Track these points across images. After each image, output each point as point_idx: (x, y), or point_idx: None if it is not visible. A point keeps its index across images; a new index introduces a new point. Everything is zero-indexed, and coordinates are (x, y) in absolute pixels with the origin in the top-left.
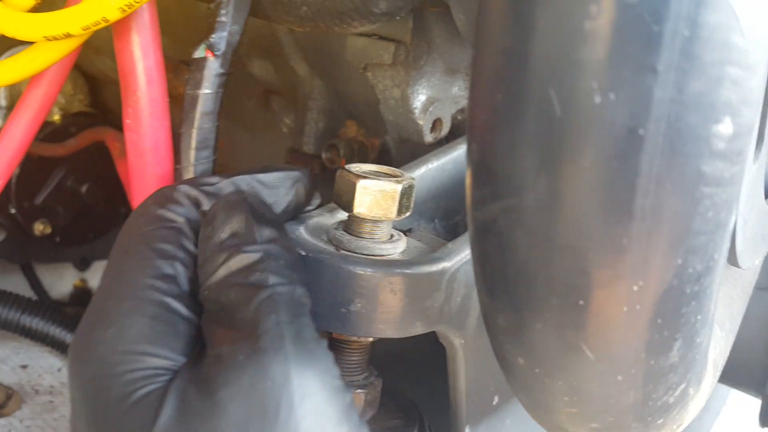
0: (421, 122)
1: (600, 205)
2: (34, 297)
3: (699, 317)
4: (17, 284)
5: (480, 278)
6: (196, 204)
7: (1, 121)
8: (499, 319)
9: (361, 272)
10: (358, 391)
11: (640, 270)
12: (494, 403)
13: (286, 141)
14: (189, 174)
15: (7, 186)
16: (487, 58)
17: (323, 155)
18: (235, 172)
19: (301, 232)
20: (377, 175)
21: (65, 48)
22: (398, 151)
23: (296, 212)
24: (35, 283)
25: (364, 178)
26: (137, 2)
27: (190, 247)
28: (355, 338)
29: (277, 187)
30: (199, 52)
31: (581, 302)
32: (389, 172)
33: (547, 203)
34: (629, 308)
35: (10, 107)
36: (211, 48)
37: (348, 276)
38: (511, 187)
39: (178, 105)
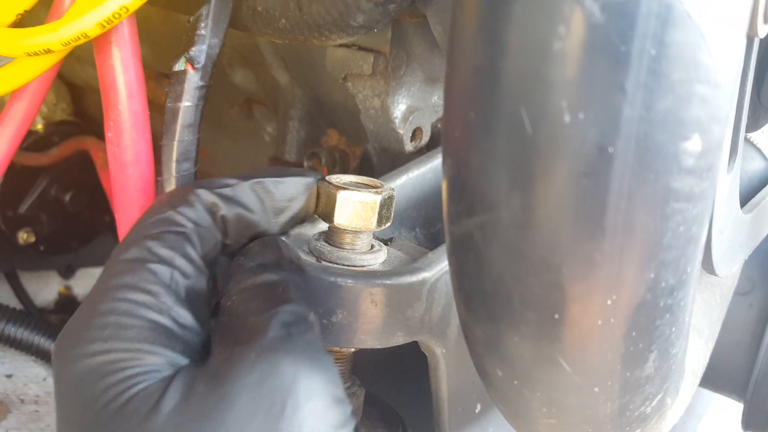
0: (401, 131)
1: (572, 222)
2: (19, 305)
3: (674, 329)
4: (1, 292)
5: (457, 291)
6: (212, 209)
7: None
8: (477, 331)
9: (342, 283)
10: None
11: (613, 284)
12: (477, 411)
13: (268, 149)
14: (171, 186)
15: None
16: (459, 76)
17: (305, 164)
18: (251, 172)
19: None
20: (357, 186)
21: (46, 63)
22: (379, 159)
23: (305, 218)
24: (20, 291)
25: (344, 189)
26: (116, 18)
27: (193, 255)
28: (336, 349)
29: (292, 192)
30: (179, 65)
31: (556, 316)
32: (369, 183)
33: (520, 219)
34: (604, 321)
35: None
36: (191, 61)
37: (329, 287)
38: (486, 203)
39: (160, 113)
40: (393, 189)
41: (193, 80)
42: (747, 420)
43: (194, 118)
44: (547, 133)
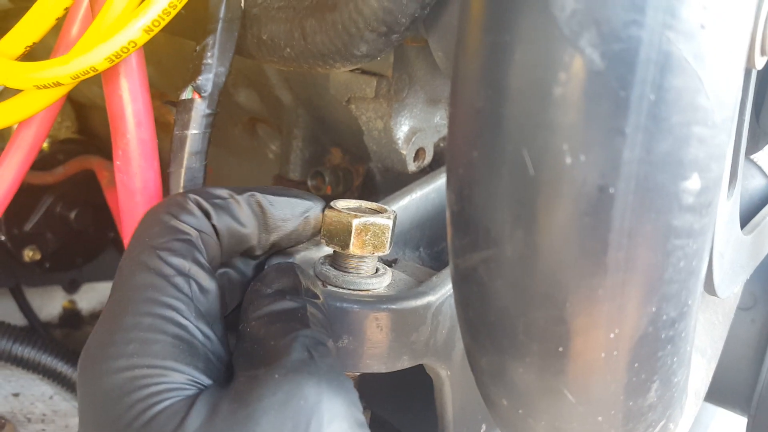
0: (404, 152)
1: (575, 259)
2: (24, 319)
3: (675, 359)
4: (6, 307)
5: (463, 322)
6: (207, 216)
7: None
8: (482, 361)
9: (348, 309)
10: None
11: (615, 318)
12: (482, 431)
13: (272, 167)
14: None
15: None
16: (462, 117)
17: (309, 183)
18: (248, 187)
19: None
20: (361, 211)
21: (55, 95)
22: (383, 177)
23: (298, 242)
24: (24, 306)
25: (349, 215)
26: (125, 52)
27: (203, 261)
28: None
29: (285, 213)
30: (186, 94)
31: (560, 349)
32: (375, 208)
33: (524, 256)
34: (607, 354)
35: None
36: (197, 90)
37: (335, 313)
38: (490, 239)
39: (167, 132)
40: (395, 213)
41: (200, 108)
42: None
43: (201, 146)
44: (549, 174)
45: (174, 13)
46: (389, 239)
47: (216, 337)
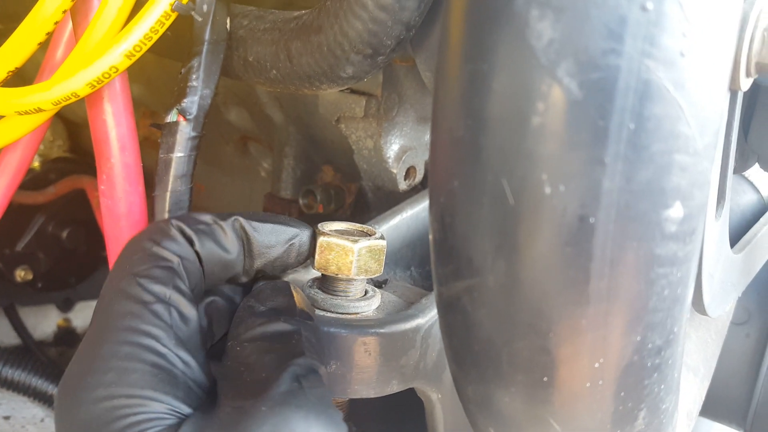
0: (394, 171)
1: (557, 289)
2: (18, 338)
3: (663, 386)
4: (0, 326)
5: (448, 350)
6: (190, 243)
7: None
8: (469, 390)
9: (336, 333)
10: None
11: (600, 348)
12: None
13: (264, 184)
14: None
15: None
16: (442, 145)
17: (300, 201)
18: (233, 213)
19: None
20: (349, 234)
21: (37, 120)
22: (375, 195)
23: (284, 269)
24: (18, 325)
25: (336, 238)
26: (106, 78)
27: (184, 289)
28: (331, 398)
29: (270, 239)
30: (171, 117)
31: (545, 378)
32: (362, 230)
33: (506, 286)
34: (592, 383)
35: None
36: (182, 113)
37: (323, 337)
38: (472, 268)
39: (155, 148)
40: (383, 237)
41: (185, 131)
42: None
43: (187, 169)
44: (528, 204)
45: (156, 38)
46: (368, 263)
47: (197, 365)
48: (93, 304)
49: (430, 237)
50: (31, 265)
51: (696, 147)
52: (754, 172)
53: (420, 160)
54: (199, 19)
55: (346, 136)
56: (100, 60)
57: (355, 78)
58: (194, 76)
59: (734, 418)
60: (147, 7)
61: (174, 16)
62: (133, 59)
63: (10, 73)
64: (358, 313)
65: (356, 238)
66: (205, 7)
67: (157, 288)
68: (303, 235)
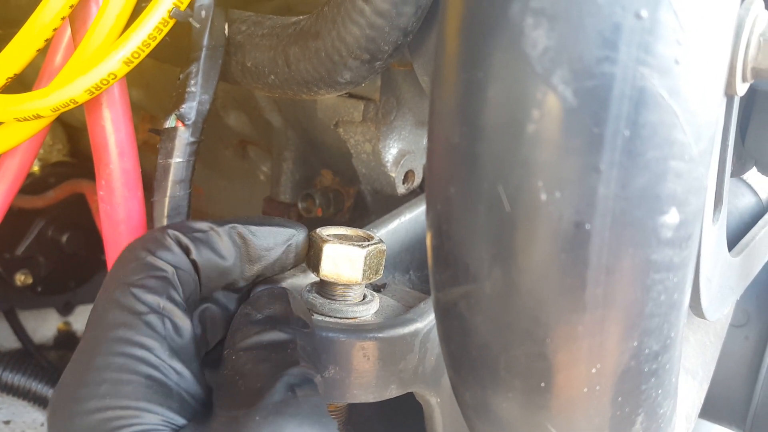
0: (393, 175)
1: (553, 295)
2: (17, 342)
3: (660, 391)
4: (0, 330)
5: (446, 355)
6: (186, 251)
7: None
8: (467, 395)
9: (334, 338)
10: None
11: (597, 354)
12: None
13: (263, 188)
14: None
15: None
16: (439, 152)
17: (299, 205)
18: (229, 219)
19: None
20: (347, 238)
21: (36, 126)
22: (374, 199)
23: (283, 270)
24: (18, 329)
25: (333, 243)
26: (105, 84)
27: (178, 299)
28: (330, 403)
29: (269, 242)
30: (170, 122)
31: (543, 384)
32: (360, 235)
33: (503, 292)
34: (589, 389)
35: None
36: (181, 118)
37: (321, 342)
38: (469, 274)
39: (155, 153)
40: (382, 241)
41: (183, 137)
42: None
43: (185, 174)
44: (524, 211)
45: (154, 44)
46: (367, 269)
47: (190, 375)
48: None
49: (428, 243)
50: (31, 269)
51: (691, 153)
52: (753, 174)
53: (418, 164)
54: (197, 26)
55: (345, 140)
56: (98, 67)
57: (353, 83)
58: (192, 82)
59: (734, 419)
60: (145, 14)
61: (172, 22)
62: (132, 66)
63: (9, 80)
64: (356, 318)
65: (361, 243)
66: (203, 13)
67: (151, 298)
68: (299, 234)
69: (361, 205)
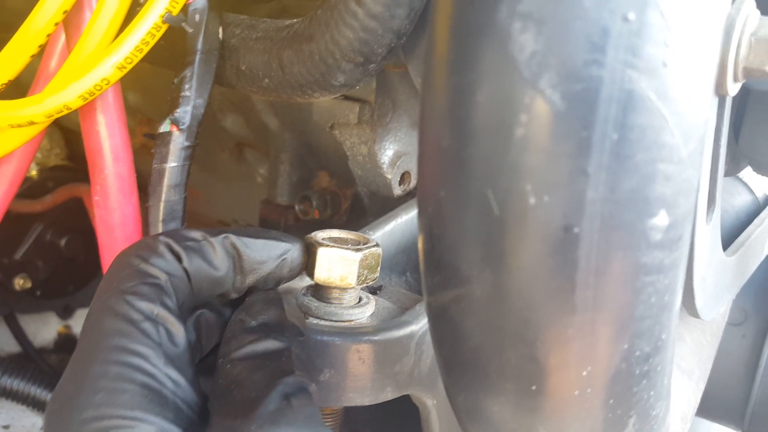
0: (389, 176)
1: (543, 298)
2: (18, 346)
3: (652, 393)
4: (0, 334)
5: (439, 358)
6: (178, 259)
7: None
8: (459, 399)
9: (329, 341)
10: None
11: (587, 356)
12: None
13: (261, 191)
14: None
15: None
16: (429, 156)
17: (296, 207)
18: (223, 229)
19: None
20: (342, 242)
21: (30, 133)
22: (371, 200)
23: (276, 284)
24: (18, 333)
25: (328, 246)
26: (98, 90)
27: (171, 306)
28: (326, 407)
29: (262, 255)
30: (164, 127)
31: (534, 387)
32: (356, 238)
33: (493, 295)
34: (581, 391)
35: None
36: (175, 123)
37: (315, 346)
38: (459, 278)
39: (152, 156)
40: (378, 244)
41: (178, 141)
42: None
43: (180, 178)
44: (513, 214)
45: (147, 49)
46: (362, 272)
47: (186, 383)
48: None
49: (419, 247)
50: (29, 274)
51: (680, 156)
52: (750, 172)
53: (414, 166)
54: (190, 30)
55: (341, 142)
56: (91, 72)
57: (347, 86)
58: (187, 86)
59: (732, 418)
60: (137, 19)
61: (165, 27)
62: (125, 71)
63: (3, 86)
64: (352, 321)
65: (356, 247)
66: (197, 17)
67: (145, 305)
68: (294, 249)
69: (358, 206)
